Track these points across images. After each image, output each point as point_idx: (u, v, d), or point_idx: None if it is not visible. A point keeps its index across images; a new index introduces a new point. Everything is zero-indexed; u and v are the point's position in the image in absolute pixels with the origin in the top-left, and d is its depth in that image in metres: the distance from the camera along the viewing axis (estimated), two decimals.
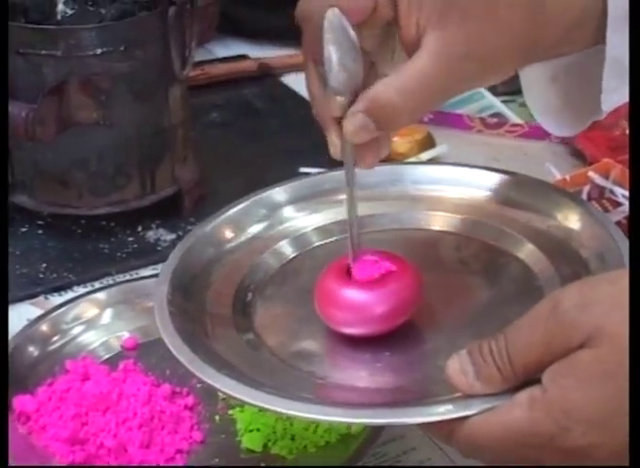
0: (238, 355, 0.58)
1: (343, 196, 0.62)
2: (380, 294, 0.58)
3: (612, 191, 0.87)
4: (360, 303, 0.58)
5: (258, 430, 0.67)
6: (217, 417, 0.69)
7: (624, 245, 0.59)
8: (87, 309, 0.77)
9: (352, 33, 0.57)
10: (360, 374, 0.58)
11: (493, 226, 0.66)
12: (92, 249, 0.88)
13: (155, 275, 0.85)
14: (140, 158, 0.87)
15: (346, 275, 0.59)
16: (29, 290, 0.83)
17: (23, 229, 0.90)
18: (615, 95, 0.61)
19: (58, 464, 0.60)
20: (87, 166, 0.86)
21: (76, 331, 0.75)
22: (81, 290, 0.83)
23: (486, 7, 0.55)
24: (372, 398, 0.55)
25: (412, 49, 0.56)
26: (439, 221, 0.68)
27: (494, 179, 0.68)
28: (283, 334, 0.61)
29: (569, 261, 0.61)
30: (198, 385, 0.70)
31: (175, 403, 0.69)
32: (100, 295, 0.78)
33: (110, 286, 0.81)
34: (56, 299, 0.81)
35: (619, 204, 0.86)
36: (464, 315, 0.61)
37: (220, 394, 0.69)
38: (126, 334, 0.76)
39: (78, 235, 0.89)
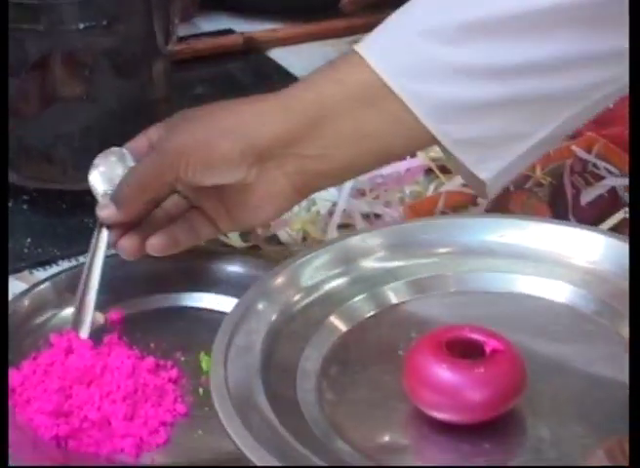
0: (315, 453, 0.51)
1: (435, 249, 0.61)
2: (487, 376, 0.53)
3: (595, 165, 0.88)
4: (465, 386, 0.52)
5: None
6: (200, 390, 0.69)
7: None
8: (71, 284, 0.77)
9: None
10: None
11: (599, 298, 0.61)
12: (77, 224, 0.88)
13: None
14: (123, 133, 0.86)
15: (444, 350, 0.53)
16: (14, 264, 0.83)
17: (8, 204, 0.90)
18: (488, 163, 0.66)
19: (57, 464, 0.60)
20: (71, 141, 0.86)
21: (59, 305, 0.76)
22: (66, 264, 0.83)
23: None
24: None
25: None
26: (542, 288, 0.63)
27: (605, 243, 0.63)
28: (363, 424, 0.55)
29: None
30: (182, 358, 0.71)
31: (159, 376, 0.70)
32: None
33: None
34: (40, 274, 0.81)
35: (601, 177, 0.86)
36: (567, 398, 0.56)
37: (204, 366, 0.70)
38: (110, 308, 0.76)
39: (63, 210, 0.89)
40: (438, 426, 0.53)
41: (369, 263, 0.63)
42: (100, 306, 0.75)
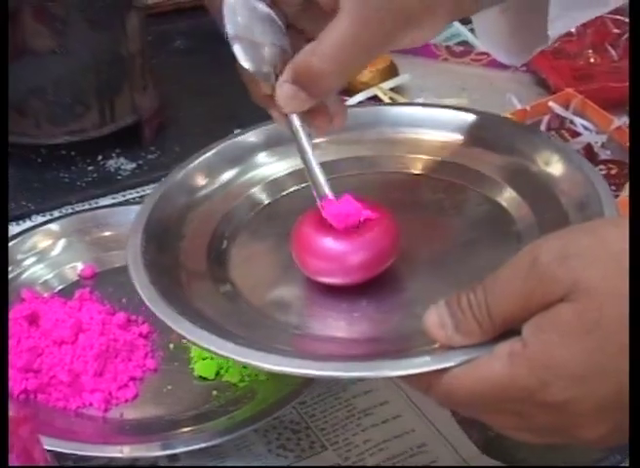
0: (214, 306, 0.57)
1: (319, 139, 0.63)
2: (359, 243, 0.57)
3: (572, 121, 0.87)
4: (339, 252, 0.57)
5: (211, 358, 0.68)
6: (171, 346, 0.70)
7: (605, 192, 0.58)
8: (43, 239, 0.77)
9: (260, 5, 0.57)
10: (337, 324, 0.57)
11: (472, 169, 0.65)
12: (51, 178, 0.88)
13: (115, 204, 0.85)
14: (98, 87, 0.86)
15: (324, 223, 0.57)
16: None
17: None
18: (559, 21, 0.62)
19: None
20: (44, 94, 0.85)
21: (32, 260, 0.75)
22: (40, 219, 0.83)
23: None
24: (348, 349, 0.54)
25: (332, 11, 0.55)
26: (417, 164, 0.67)
27: (473, 121, 0.67)
28: (259, 283, 0.60)
29: (548, 207, 0.60)
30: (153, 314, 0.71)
31: (129, 331, 0.70)
32: (58, 225, 0.78)
33: (69, 215, 0.81)
34: (14, 229, 0.81)
35: (578, 134, 0.86)
36: (442, 261, 0.60)
37: None
38: (82, 264, 0.76)
39: (37, 164, 0.89)
40: (322, 287, 0.59)
41: (263, 158, 0.68)
42: (72, 262, 0.76)
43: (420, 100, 0.93)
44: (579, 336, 0.44)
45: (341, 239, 0.57)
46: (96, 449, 0.62)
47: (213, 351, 0.52)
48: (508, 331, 0.47)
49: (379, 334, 0.56)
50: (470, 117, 0.67)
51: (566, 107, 0.88)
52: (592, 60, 1.00)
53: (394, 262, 0.58)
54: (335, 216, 0.57)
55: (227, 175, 0.67)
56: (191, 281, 0.59)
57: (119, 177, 0.88)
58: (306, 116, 0.58)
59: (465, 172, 0.65)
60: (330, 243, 0.57)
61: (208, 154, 0.67)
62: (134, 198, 0.87)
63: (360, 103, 0.68)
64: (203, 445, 0.61)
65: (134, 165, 0.89)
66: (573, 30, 1.01)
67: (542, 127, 0.85)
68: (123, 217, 0.79)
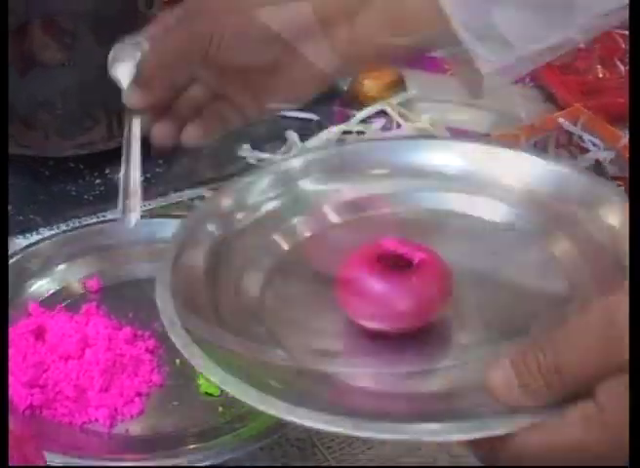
0: (248, 353, 0.54)
1: (376, 171, 0.64)
2: (413, 286, 0.55)
3: (580, 137, 0.87)
4: (390, 296, 0.55)
5: None
6: (177, 361, 0.69)
7: None
8: (50, 252, 0.77)
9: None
10: (384, 377, 0.54)
11: (534, 219, 0.63)
12: (58, 191, 0.88)
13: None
14: (106, 100, 0.86)
15: (375, 263, 0.56)
16: None
17: None
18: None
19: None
20: (52, 107, 0.85)
21: (39, 273, 0.75)
22: (47, 232, 0.83)
23: None
24: (399, 406, 0.51)
25: None
26: (474, 206, 0.65)
27: (544, 169, 0.64)
28: (299, 330, 0.57)
29: (600, 258, 0.58)
30: (160, 329, 0.71)
31: (136, 346, 0.70)
32: (65, 239, 0.78)
33: (76, 228, 0.82)
34: (21, 241, 0.81)
35: (586, 150, 0.85)
36: (491, 310, 0.57)
37: None
38: (89, 278, 0.76)
39: (45, 177, 0.89)
40: (368, 335, 0.56)
41: (307, 185, 0.65)
42: (79, 275, 0.76)
43: (428, 115, 0.93)
44: None
45: (395, 281, 0.55)
46: (100, 466, 0.62)
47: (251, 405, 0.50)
48: (580, 390, 0.45)
49: (432, 391, 0.53)
50: (542, 164, 0.65)
51: (574, 123, 0.88)
52: (601, 76, 1.00)
53: (454, 312, 0.57)
54: (386, 258, 0.55)
55: (268, 205, 0.64)
56: (227, 322, 0.56)
57: None
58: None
59: (526, 221, 0.63)
60: (382, 285, 0.55)
61: (247, 180, 0.65)
62: (142, 212, 0.86)
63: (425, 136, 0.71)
64: (208, 463, 0.61)
65: (141, 178, 0.89)
66: (582, 45, 1.01)
67: (551, 143, 0.85)
68: (130, 231, 0.79)
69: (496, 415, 0.46)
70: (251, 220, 0.63)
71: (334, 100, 0.97)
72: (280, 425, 0.63)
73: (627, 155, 0.85)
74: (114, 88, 0.86)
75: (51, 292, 0.75)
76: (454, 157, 0.66)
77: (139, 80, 0.71)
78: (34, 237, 0.83)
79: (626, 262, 0.56)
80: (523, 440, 0.45)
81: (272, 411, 0.49)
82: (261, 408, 0.49)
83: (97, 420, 0.65)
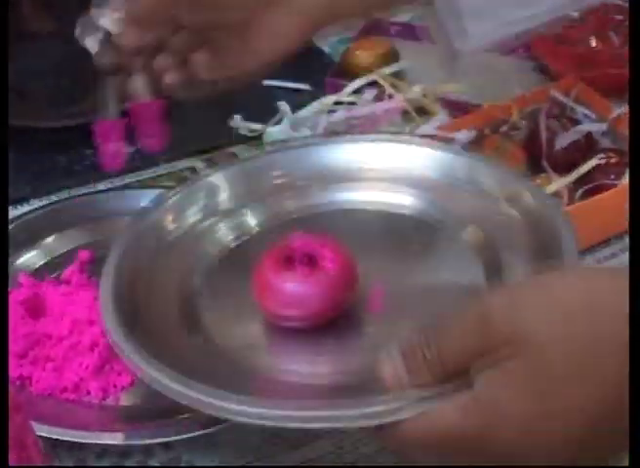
0: (186, 354, 0.59)
1: (284, 179, 0.67)
2: (313, 286, 0.58)
3: (572, 109, 0.87)
4: (294, 296, 0.59)
5: None
6: None
7: (569, 239, 0.59)
8: (41, 223, 0.77)
9: None
10: (299, 368, 0.59)
11: (442, 207, 0.67)
12: (49, 162, 0.87)
13: (114, 188, 0.85)
14: (96, 70, 0.86)
15: (282, 265, 0.59)
16: None
17: None
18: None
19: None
20: (43, 78, 0.85)
21: (29, 244, 0.76)
22: (37, 203, 0.83)
23: None
24: (307, 395, 0.56)
25: None
26: (384, 200, 0.68)
27: (446, 159, 0.68)
28: (228, 326, 0.62)
29: (515, 251, 0.62)
30: None
31: None
32: (55, 210, 0.78)
33: (67, 199, 0.82)
34: (12, 212, 0.81)
35: (578, 122, 0.85)
36: (409, 303, 0.61)
37: None
38: (80, 249, 0.75)
39: (36, 148, 0.89)
40: (286, 330, 0.60)
41: (227, 197, 0.70)
42: (69, 246, 0.76)
43: (420, 86, 0.93)
44: (524, 389, 0.46)
45: (298, 281, 0.58)
46: (91, 437, 0.62)
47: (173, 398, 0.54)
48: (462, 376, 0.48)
49: (338, 381, 0.57)
50: (443, 155, 0.69)
51: (567, 95, 0.88)
52: (594, 47, 0.99)
53: (362, 304, 0.60)
54: (292, 258, 0.59)
55: (195, 218, 0.69)
56: (163, 325, 0.61)
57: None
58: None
59: (435, 210, 0.67)
60: (288, 283, 0.58)
61: (174, 197, 0.69)
62: (132, 182, 0.87)
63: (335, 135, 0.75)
64: (197, 433, 0.61)
65: (132, 149, 0.89)
66: (575, 16, 1.00)
67: (542, 114, 0.84)
68: (121, 202, 0.79)
69: (386, 403, 0.49)
70: (183, 231, 0.68)
71: (326, 71, 0.96)
72: None
73: (619, 127, 0.85)
74: None
75: (41, 263, 0.75)
76: (357, 155, 0.70)
77: (133, 18, 0.72)
78: (24, 208, 0.83)
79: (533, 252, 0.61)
80: (409, 426, 0.49)
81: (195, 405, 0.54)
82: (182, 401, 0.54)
83: (89, 393, 0.65)
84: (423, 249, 0.66)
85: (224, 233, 0.68)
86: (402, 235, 0.67)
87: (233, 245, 0.68)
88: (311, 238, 0.60)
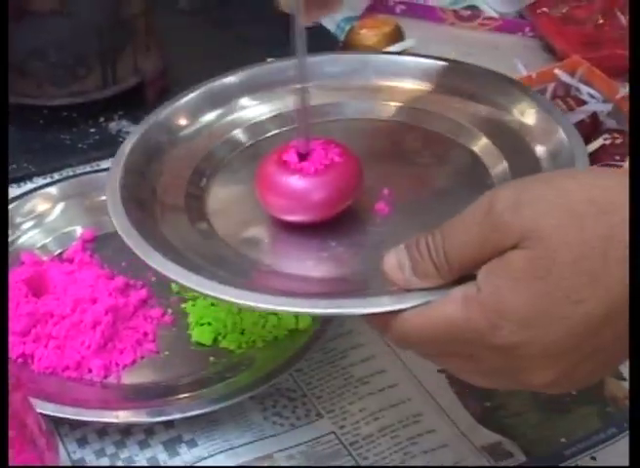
0: (188, 242, 0.58)
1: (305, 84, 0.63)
2: (314, 182, 0.58)
3: (577, 89, 0.86)
4: (293, 190, 0.58)
5: (209, 324, 0.68)
6: (169, 311, 0.70)
7: (578, 145, 0.59)
8: (43, 202, 0.77)
9: None
10: (305, 264, 0.58)
11: (448, 118, 0.66)
12: (52, 139, 0.87)
13: None
14: (100, 48, 0.86)
15: (285, 163, 0.59)
16: None
17: None
18: None
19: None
20: (46, 56, 0.84)
21: (31, 223, 0.75)
22: (40, 181, 0.83)
23: None
24: (311, 287, 0.56)
25: None
26: (393, 111, 0.68)
27: (454, 71, 0.68)
28: (233, 222, 0.61)
29: (522, 157, 0.61)
30: (152, 279, 0.71)
31: (128, 295, 0.70)
32: (58, 188, 0.78)
33: (69, 177, 0.81)
34: (14, 191, 0.81)
35: (583, 102, 0.85)
36: (415, 208, 0.61)
37: (174, 287, 0.70)
38: (82, 228, 0.75)
39: (39, 126, 0.88)
40: (292, 226, 0.60)
41: (243, 100, 0.69)
42: (72, 225, 0.76)
43: None
44: (528, 282, 0.45)
45: (298, 177, 0.58)
46: (92, 414, 0.62)
47: (179, 282, 0.54)
48: (465, 275, 0.47)
49: (343, 274, 0.57)
50: (448, 66, 0.69)
51: (572, 75, 0.87)
52: (601, 27, 0.99)
53: (369, 207, 0.60)
54: (298, 156, 0.59)
55: (209, 117, 0.68)
56: (167, 215, 0.61)
57: (121, 140, 0.86)
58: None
59: (442, 120, 0.66)
60: (286, 180, 0.58)
61: (191, 95, 0.68)
62: None
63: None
64: (199, 411, 0.61)
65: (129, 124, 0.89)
66: None
67: (548, 94, 0.84)
68: None
69: (389, 294, 0.49)
70: (194, 130, 0.67)
71: (331, 50, 0.95)
72: (270, 376, 0.64)
73: (625, 108, 0.84)
74: (108, 35, 0.85)
75: (43, 241, 0.75)
76: (371, 71, 0.70)
77: None
78: (28, 186, 0.82)
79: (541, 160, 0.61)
80: (411, 317, 0.48)
81: (196, 287, 0.53)
82: (186, 284, 0.53)
83: (90, 371, 0.65)
84: (430, 156, 0.65)
85: (237, 133, 0.67)
86: (409, 144, 0.66)
87: (245, 145, 0.67)
88: (315, 138, 0.60)
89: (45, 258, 0.73)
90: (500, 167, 0.62)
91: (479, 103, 0.66)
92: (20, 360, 0.66)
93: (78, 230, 0.75)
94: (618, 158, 0.79)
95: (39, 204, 0.76)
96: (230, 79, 0.70)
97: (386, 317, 0.49)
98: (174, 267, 0.54)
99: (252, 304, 0.51)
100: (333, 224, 0.59)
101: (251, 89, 0.69)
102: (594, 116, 0.83)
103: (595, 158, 0.79)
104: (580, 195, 0.45)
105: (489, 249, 0.46)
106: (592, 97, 0.86)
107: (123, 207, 0.59)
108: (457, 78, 0.68)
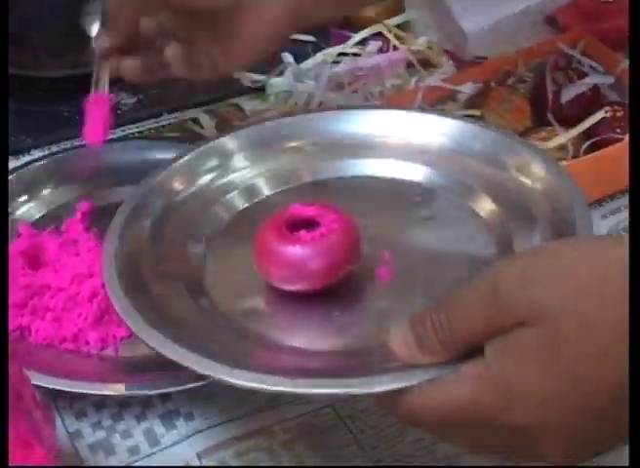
0: (187, 316, 0.58)
1: (295, 143, 0.67)
2: (312, 251, 0.57)
3: (579, 62, 0.85)
4: (292, 260, 0.58)
5: None
6: None
7: (584, 212, 0.58)
8: (41, 175, 0.76)
9: None
10: (308, 336, 0.58)
11: (453, 177, 0.65)
12: (50, 111, 0.87)
13: (115, 139, 0.84)
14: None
15: (282, 230, 0.58)
16: None
17: None
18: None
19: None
20: (43, 26, 0.84)
21: (29, 195, 0.75)
22: (38, 153, 0.82)
23: None
24: (317, 363, 0.55)
25: None
26: (393, 169, 0.67)
27: (460, 129, 0.67)
28: (233, 293, 0.61)
29: (525, 220, 0.61)
30: None
31: None
32: (56, 161, 0.78)
33: (67, 150, 0.81)
34: (12, 163, 0.80)
35: (585, 74, 0.84)
36: (416, 273, 0.60)
37: None
38: (79, 200, 0.75)
39: (37, 97, 0.88)
40: (290, 295, 0.59)
41: (239, 162, 0.69)
42: (69, 197, 0.75)
43: (425, 38, 0.92)
44: (539, 362, 0.45)
45: (297, 247, 0.58)
46: (90, 387, 0.62)
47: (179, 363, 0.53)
48: (472, 349, 0.47)
49: (347, 347, 0.56)
50: (451, 123, 0.68)
51: (573, 47, 0.86)
52: None
53: (370, 272, 0.60)
54: (293, 224, 0.58)
55: (204, 180, 0.68)
56: (166, 289, 0.60)
57: (119, 112, 0.87)
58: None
59: (446, 179, 0.66)
60: (284, 251, 0.58)
61: (184, 159, 0.68)
62: (133, 133, 0.86)
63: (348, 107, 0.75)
64: (196, 384, 0.61)
65: (134, 99, 0.89)
66: None
67: (548, 66, 0.83)
68: (123, 153, 0.78)
69: (394, 371, 0.48)
70: (190, 193, 0.67)
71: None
72: None
73: (626, 80, 0.83)
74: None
75: (41, 213, 0.75)
76: (368, 124, 0.69)
77: (105, 22, 0.72)
78: (25, 158, 0.82)
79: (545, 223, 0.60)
80: (420, 395, 0.48)
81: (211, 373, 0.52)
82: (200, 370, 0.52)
83: (88, 343, 0.65)
84: (432, 217, 0.64)
85: (233, 197, 0.67)
86: (411, 204, 0.66)
87: (241, 208, 0.67)
88: (313, 204, 0.59)
89: (43, 231, 0.73)
90: (503, 230, 0.61)
91: (480, 162, 0.65)
92: (17, 332, 0.66)
93: (76, 202, 0.75)
94: (618, 131, 0.78)
95: (37, 176, 0.76)
96: (223, 140, 0.70)
97: (393, 395, 0.48)
98: (186, 354, 0.52)
99: (251, 385, 0.50)
100: (335, 292, 0.59)
101: (245, 149, 0.69)
102: (595, 89, 0.82)
103: (596, 131, 0.79)
104: (586, 271, 0.45)
105: (495, 327, 0.46)
106: (594, 69, 0.85)
107: (122, 291, 0.57)
108: (464, 137, 0.67)
